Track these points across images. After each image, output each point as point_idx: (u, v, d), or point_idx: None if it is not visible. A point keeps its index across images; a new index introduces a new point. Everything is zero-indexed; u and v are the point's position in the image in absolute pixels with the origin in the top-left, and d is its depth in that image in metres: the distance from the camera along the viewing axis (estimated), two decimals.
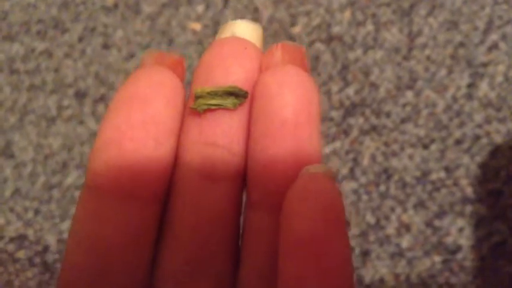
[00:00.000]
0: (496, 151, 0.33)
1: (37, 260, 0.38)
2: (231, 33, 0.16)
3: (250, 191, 0.15)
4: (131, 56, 0.41)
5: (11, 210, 0.40)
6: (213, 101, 0.15)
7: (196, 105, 0.15)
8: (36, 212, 0.39)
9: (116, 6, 0.43)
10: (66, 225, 0.39)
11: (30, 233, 0.39)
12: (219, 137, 0.15)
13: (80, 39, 0.43)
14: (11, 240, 0.39)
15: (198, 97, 0.15)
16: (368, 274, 0.33)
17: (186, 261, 0.15)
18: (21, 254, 0.38)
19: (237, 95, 0.15)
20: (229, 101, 0.15)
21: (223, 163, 0.15)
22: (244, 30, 0.16)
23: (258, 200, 0.15)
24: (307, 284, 0.12)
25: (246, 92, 0.15)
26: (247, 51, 0.16)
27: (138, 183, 0.15)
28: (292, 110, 0.15)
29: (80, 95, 0.41)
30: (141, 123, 0.15)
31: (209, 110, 0.15)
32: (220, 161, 0.15)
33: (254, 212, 0.15)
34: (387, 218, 0.34)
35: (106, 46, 0.42)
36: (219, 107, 0.15)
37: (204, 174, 0.15)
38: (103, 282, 0.15)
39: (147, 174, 0.15)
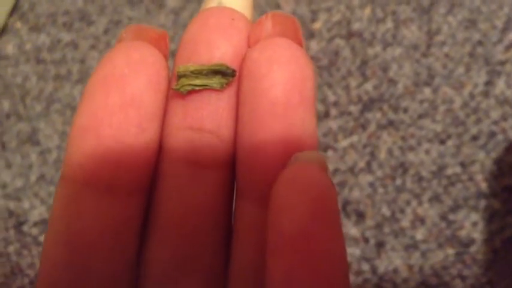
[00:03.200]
0: (511, 147, 0.34)
1: None
2: (217, 2, 0.15)
3: (238, 179, 0.14)
4: None
5: (36, 195, 0.40)
6: (198, 81, 0.14)
7: (179, 86, 0.14)
8: None
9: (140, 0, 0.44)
10: None
11: None
12: (206, 121, 0.14)
13: (105, 32, 0.44)
14: (35, 224, 0.40)
15: (180, 76, 0.14)
16: (382, 265, 0.34)
17: (173, 255, 0.14)
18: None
19: (224, 73, 0.14)
20: (215, 81, 0.14)
21: (211, 149, 0.14)
22: None
23: (247, 189, 0.14)
24: (296, 282, 0.11)
25: (234, 71, 0.14)
26: (235, 23, 0.14)
27: (119, 174, 0.13)
28: (282, 90, 0.13)
29: None
30: (120, 106, 0.13)
31: (194, 91, 0.14)
32: (208, 147, 0.14)
33: (243, 202, 0.14)
34: (402, 210, 0.34)
35: None
36: (205, 88, 0.14)
37: (190, 162, 0.14)
38: (84, 280, 0.13)
39: (129, 163, 0.13)
